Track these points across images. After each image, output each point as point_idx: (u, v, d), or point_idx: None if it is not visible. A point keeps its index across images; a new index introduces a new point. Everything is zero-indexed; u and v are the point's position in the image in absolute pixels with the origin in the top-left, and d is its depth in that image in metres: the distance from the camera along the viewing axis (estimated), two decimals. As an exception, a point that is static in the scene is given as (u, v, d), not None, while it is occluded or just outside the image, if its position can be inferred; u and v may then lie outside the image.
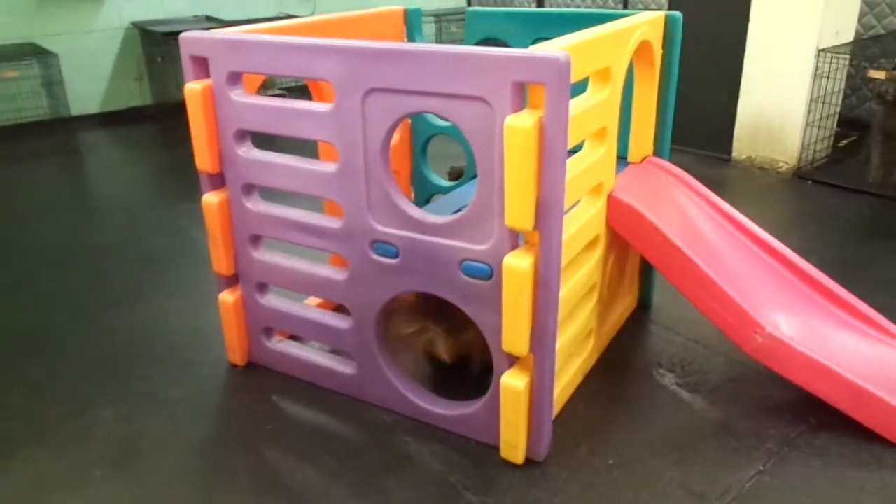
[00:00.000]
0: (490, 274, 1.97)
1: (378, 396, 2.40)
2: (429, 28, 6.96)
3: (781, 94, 4.58)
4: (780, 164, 4.69)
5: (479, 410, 2.19)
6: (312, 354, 2.56)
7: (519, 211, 1.80)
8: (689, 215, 2.60)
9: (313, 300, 2.81)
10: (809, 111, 4.51)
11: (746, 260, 2.57)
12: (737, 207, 2.70)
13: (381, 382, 2.37)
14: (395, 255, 2.13)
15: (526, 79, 1.73)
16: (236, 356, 2.65)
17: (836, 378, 2.20)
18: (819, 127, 4.59)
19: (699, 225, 2.58)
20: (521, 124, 1.72)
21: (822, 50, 4.39)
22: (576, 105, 2.02)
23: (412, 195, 3.20)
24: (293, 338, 2.67)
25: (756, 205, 4.17)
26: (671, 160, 2.82)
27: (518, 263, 1.87)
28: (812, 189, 4.42)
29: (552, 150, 1.76)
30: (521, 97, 1.77)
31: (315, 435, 2.32)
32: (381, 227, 2.12)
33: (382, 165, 2.05)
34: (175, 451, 2.26)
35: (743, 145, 4.86)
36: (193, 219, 4.04)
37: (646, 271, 2.98)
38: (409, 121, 3.11)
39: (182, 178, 4.84)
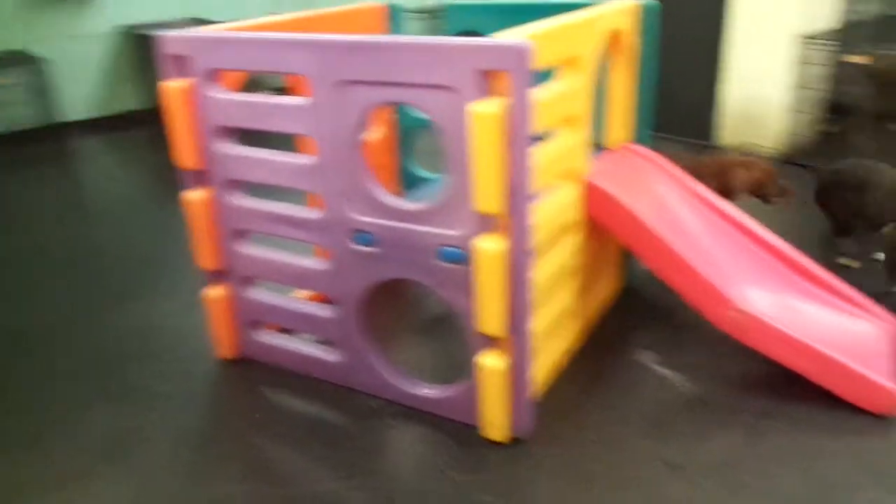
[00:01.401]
0: (464, 258, 2.03)
1: (363, 383, 2.46)
2: (419, 24, 7.00)
3: (765, 81, 4.63)
4: (766, 149, 4.73)
5: (460, 392, 2.25)
6: (299, 345, 2.62)
7: (487, 195, 1.86)
8: (663, 198, 2.65)
9: (304, 292, 2.86)
10: (794, 97, 4.56)
11: (719, 239, 2.63)
12: (712, 189, 2.76)
13: (365, 369, 2.43)
14: (373, 244, 2.19)
15: (489, 67, 1.79)
16: (225, 350, 2.71)
17: (807, 350, 2.25)
18: (804, 113, 4.63)
19: (673, 207, 2.64)
20: (485, 111, 1.78)
21: (805, 36, 4.43)
22: (543, 92, 2.07)
23: (399, 189, 3.25)
24: (281, 330, 2.73)
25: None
26: (654, 148, 2.87)
27: (490, 247, 1.93)
28: (792, 172, 4.47)
29: (517, 136, 1.82)
30: (486, 85, 1.83)
31: (303, 422, 2.38)
32: (358, 217, 2.18)
33: (357, 155, 2.11)
34: (168, 443, 2.32)
35: (728, 132, 4.91)
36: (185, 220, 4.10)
37: (628, 255, 3.04)
38: (393, 115, 3.17)
39: (173, 181, 4.89)
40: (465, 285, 2.06)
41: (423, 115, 3.05)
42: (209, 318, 2.67)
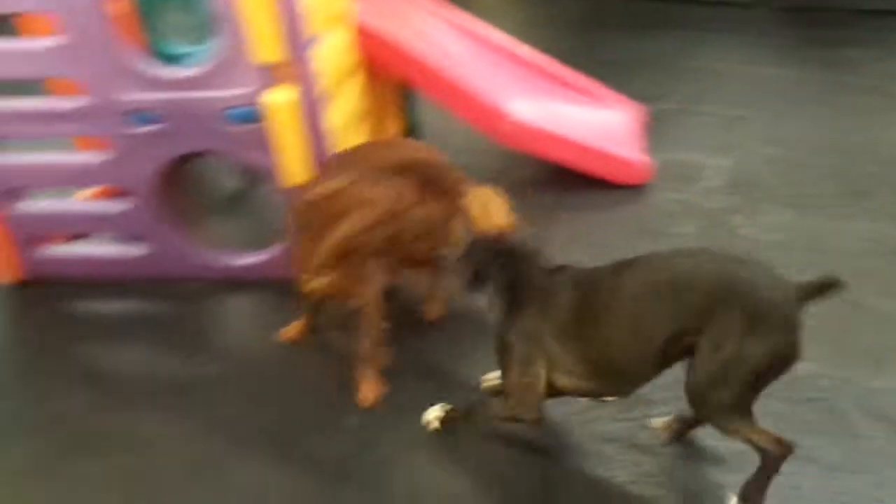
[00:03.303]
0: (254, 116, 2.02)
1: (178, 269, 2.40)
2: None
3: None
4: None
5: (278, 251, 2.30)
6: (95, 249, 2.47)
7: (266, 45, 1.84)
8: (429, 31, 2.77)
9: (85, 192, 2.64)
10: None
11: (485, 62, 2.84)
12: (472, 20, 2.93)
13: (177, 254, 2.37)
14: (155, 121, 2.08)
15: None
16: (9, 274, 2.47)
17: (570, 144, 2.60)
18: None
19: (439, 38, 2.77)
20: (245, -45, 1.72)
21: None
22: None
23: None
24: (69, 240, 2.53)
25: (489, 18, 4.46)
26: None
27: (280, 98, 1.93)
28: (535, -3, 4.82)
29: (283, -22, 1.79)
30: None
31: (126, 322, 2.31)
32: (131, 96, 2.04)
33: (112, 28, 1.94)
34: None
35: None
36: None
37: (405, 96, 3.16)
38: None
39: None
40: (260, 143, 2.06)
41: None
42: (-20, 245, 2.40)
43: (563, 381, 1.59)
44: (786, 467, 1.61)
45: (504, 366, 1.64)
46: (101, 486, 1.76)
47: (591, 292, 1.54)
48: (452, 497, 1.65)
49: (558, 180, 2.72)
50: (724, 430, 1.49)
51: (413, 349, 2.05)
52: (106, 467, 1.80)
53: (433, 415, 1.79)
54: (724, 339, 1.40)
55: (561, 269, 1.63)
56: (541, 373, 1.59)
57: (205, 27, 3.02)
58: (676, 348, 1.49)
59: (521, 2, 4.83)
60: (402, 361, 1.98)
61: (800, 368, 1.83)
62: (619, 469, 1.67)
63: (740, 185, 2.63)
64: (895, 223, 2.35)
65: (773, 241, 2.33)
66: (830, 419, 1.74)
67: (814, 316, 2.01)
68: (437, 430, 1.78)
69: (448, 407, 1.79)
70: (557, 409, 1.81)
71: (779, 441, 1.48)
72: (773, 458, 1.48)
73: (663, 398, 1.82)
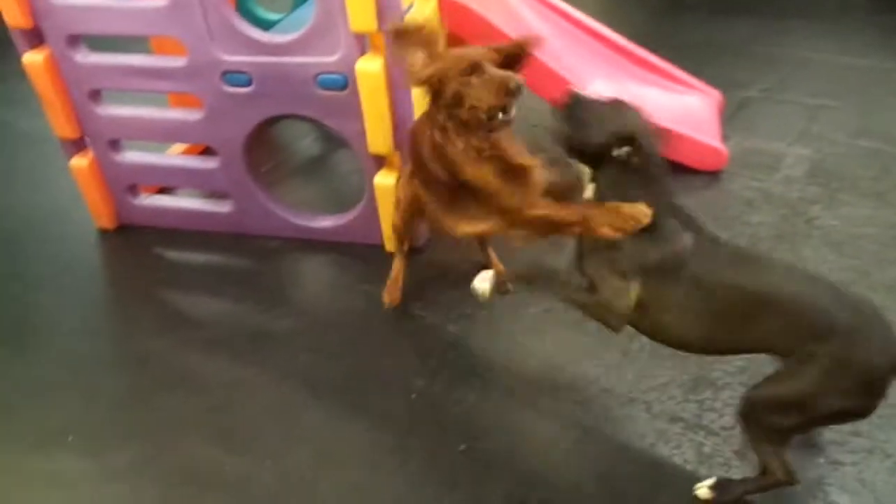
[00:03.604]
0: (345, 84, 2.08)
1: (260, 227, 2.51)
2: None
3: None
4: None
5: (357, 216, 2.38)
6: (184, 202, 2.60)
7: (362, 12, 1.89)
8: (514, 6, 2.78)
9: (178, 147, 2.77)
10: None
11: (567, 40, 2.84)
12: None
13: (259, 213, 2.47)
14: (249, 83, 2.16)
15: None
16: (104, 220, 2.62)
17: (651, 127, 2.58)
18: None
19: (524, 14, 2.78)
20: (349, -76, 1.77)
21: None
22: None
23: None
24: (161, 190, 2.68)
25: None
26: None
27: (370, 67, 1.99)
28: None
29: (382, -52, 1.84)
30: None
31: (209, 272, 2.44)
32: (228, 57, 2.13)
33: (216, -8, 2.03)
34: (70, 315, 2.29)
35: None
36: (2, 100, 3.70)
37: (482, 70, 3.18)
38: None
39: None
40: (349, 110, 2.12)
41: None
42: (81, 190, 2.55)
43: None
44: (857, 460, 1.62)
45: (604, 258, 1.52)
46: (185, 421, 1.89)
47: (703, 272, 1.45)
48: (515, 460, 1.72)
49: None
50: (757, 449, 1.49)
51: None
52: (188, 405, 1.94)
53: (484, 281, 1.65)
54: (806, 374, 1.37)
55: (682, 214, 1.51)
56: (634, 288, 1.49)
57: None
58: (752, 351, 1.50)
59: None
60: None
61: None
62: (682, 448, 1.70)
63: (820, 175, 2.58)
64: (984, 224, 2.28)
65: (852, 233, 2.29)
66: (902, 417, 1.72)
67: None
68: (488, 298, 1.66)
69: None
70: (623, 386, 1.86)
71: (791, 473, 1.47)
72: (776, 482, 1.49)
73: (729, 383, 1.84)
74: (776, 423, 1.43)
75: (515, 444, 1.75)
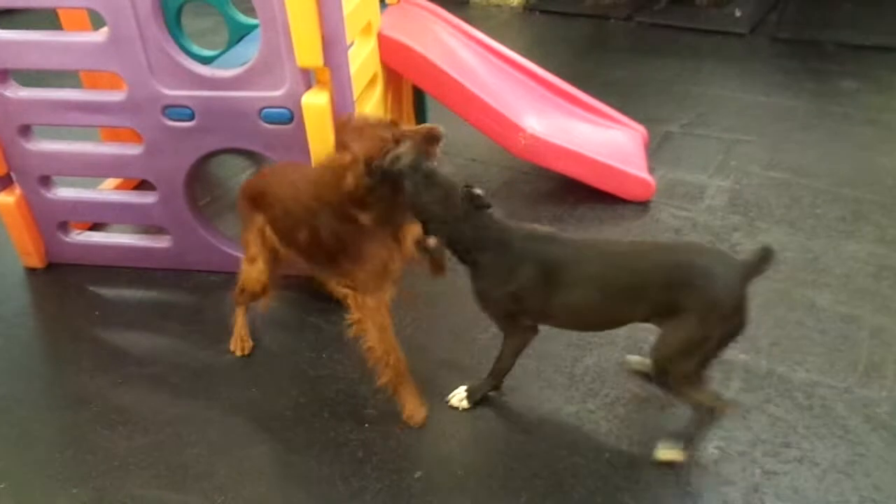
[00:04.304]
0: (290, 117, 2.11)
1: (200, 261, 2.48)
2: None
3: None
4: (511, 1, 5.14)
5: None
6: (121, 238, 2.54)
7: (308, 48, 1.94)
8: (450, 45, 2.89)
9: (110, 182, 2.71)
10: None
11: (500, 77, 2.96)
12: (484, 37, 3.05)
13: (200, 247, 2.44)
14: (191, 117, 2.16)
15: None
16: (32, 258, 2.53)
17: (582, 159, 2.72)
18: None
19: (459, 52, 2.89)
20: (295, -38, 1.82)
21: None
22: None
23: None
24: (93, 227, 2.60)
25: (498, 37, 4.59)
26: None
27: (316, 101, 2.03)
28: (541, 18, 4.96)
29: (328, -14, 1.89)
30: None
31: (147, 309, 2.38)
32: (170, 91, 2.12)
33: (157, 26, 2.03)
34: (1, 357, 2.19)
35: (478, -15, 5.22)
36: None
37: (419, 107, 3.26)
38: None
39: None
40: (293, 143, 2.14)
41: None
42: (7, 229, 2.45)
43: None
44: (788, 469, 1.73)
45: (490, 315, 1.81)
46: (127, 461, 1.83)
47: (555, 271, 1.67)
48: (469, 486, 1.74)
49: (567, 193, 2.83)
50: (680, 395, 1.71)
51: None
52: (131, 443, 1.88)
53: (459, 396, 1.92)
54: (684, 321, 1.59)
55: (514, 231, 1.72)
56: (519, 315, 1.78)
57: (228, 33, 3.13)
58: (639, 320, 1.72)
59: (529, 22, 4.98)
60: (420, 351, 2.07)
61: (801, 377, 1.97)
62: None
63: (739, 204, 2.76)
64: (891, 246, 2.48)
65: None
66: (825, 424, 1.85)
67: (816, 330, 2.14)
68: (465, 409, 1.92)
69: (468, 386, 1.93)
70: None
71: (718, 397, 1.72)
72: (710, 412, 1.69)
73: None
74: (684, 367, 1.64)
75: (475, 468, 1.78)
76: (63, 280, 2.51)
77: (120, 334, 2.27)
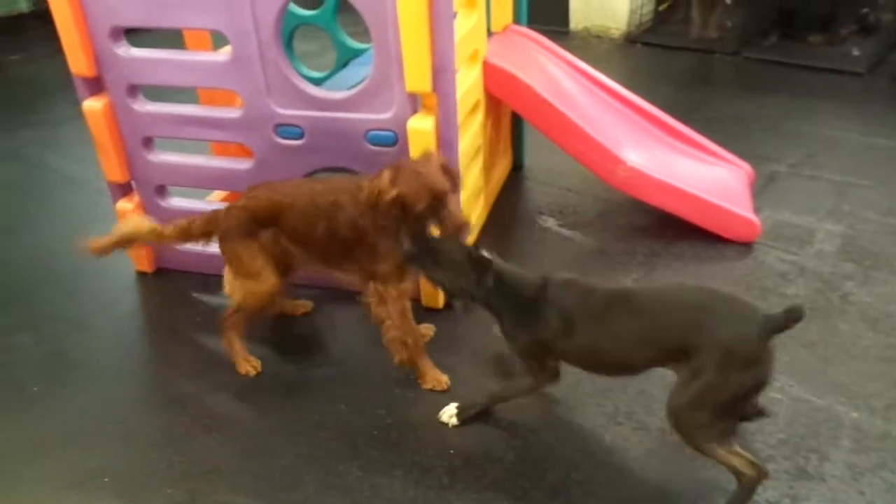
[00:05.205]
0: (395, 140, 2.15)
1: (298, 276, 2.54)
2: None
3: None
4: (612, 30, 5.10)
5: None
6: (223, 249, 2.64)
7: (418, 75, 1.98)
8: (552, 74, 2.88)
9: (218, 194, 2.83)
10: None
11: (602, 108, 2.92)
12: (585, 69, 3.03)
13: (298, 262, 2.51)
14: (301, 136, 2.24)
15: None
16: (143, 263, 2.67)
17: (683, 195, 2.64)
18: (643, -9, 5.02)
19: (561, 81, 2.88)
20: (411, -11, 1.86)
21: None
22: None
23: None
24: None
25: (598, 68, 4.57)
26: (528, 29, 3.07)
27: (421, 125, 2.06)
28: (642, 50, 4.89)
29: (441, 14, 1.93)
30: (407, -33, 1.90)
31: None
32: (282, 111, 2.21)
33: (276, 49, 2.12)
34: (109, 356, 2.32)
35: (578, 16, 5.21)
36: (43, 144, 3.80)
37: (517, 134, 3.27)
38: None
39: (17, 101, 4.45)
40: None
41: (303, 12, 3.06)
42: (124, 233, 2.60)
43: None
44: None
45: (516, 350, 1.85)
46: (219, 466, 1.88)
47: (580, 324, 1.70)
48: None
49: (665, 228, 2.75)
50: (702, 451, 1.61)
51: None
52: (223, 450, 1.93)
53: (450, 413, 1.96)
54: (697, 368, 1.55)
55: (543, 286, 1.75)
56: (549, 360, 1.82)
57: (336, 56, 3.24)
58: (658, 365, 1.69)
59: (630, 53, 4.91)
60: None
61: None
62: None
63: (853, 251, 2.61)
64: None
65: (887, 310, 2.30)
66: None
67: None
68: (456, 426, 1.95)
69: (460, 404, 1.97)
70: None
71: (753, 465, 1.59)
72: (748, 480, 1.59)
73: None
74: (698, 418, 1.58)
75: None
76: (169, 285, 2.63)
77: (217, 341, 2.33)
